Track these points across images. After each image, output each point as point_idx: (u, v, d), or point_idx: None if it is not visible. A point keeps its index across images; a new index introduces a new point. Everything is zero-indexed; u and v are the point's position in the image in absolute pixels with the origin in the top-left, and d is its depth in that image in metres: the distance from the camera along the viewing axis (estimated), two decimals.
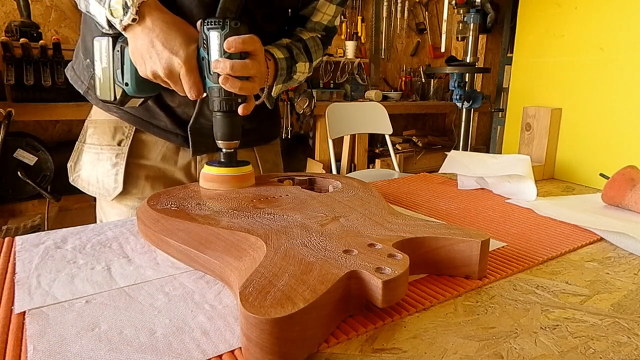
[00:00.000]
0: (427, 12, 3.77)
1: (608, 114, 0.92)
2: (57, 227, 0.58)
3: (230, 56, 0.55)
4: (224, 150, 0.61)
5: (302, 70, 0.73)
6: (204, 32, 0.55)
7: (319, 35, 0.79)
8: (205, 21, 0.55)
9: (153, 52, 0.55)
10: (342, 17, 3.35)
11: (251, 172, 0.62)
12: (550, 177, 1.00)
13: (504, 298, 0.42)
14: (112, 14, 0.56)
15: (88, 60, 0.73)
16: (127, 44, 0.58)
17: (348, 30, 3.39)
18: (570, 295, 0.43)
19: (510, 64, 1.37)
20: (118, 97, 0.62)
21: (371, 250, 0.40)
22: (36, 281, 0.42)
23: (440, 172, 0.90)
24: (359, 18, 3.39)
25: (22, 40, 1.86)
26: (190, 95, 0.57)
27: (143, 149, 0.76)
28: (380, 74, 3.58)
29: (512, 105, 1.15)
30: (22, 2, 2.03)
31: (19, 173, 1.95)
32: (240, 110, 0.58)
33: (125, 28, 0.56)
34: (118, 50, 0.60)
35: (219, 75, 0.55)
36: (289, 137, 2.70)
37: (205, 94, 0.58)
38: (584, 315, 0.39)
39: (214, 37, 0.55)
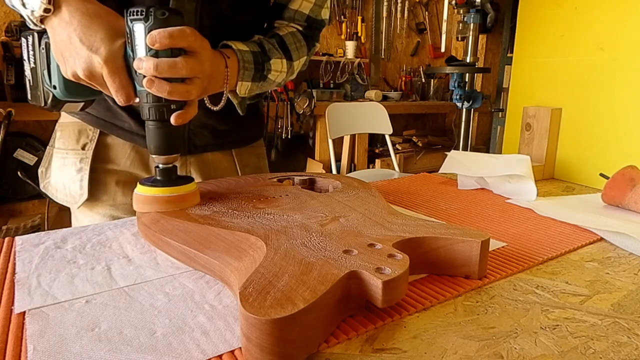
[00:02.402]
0: (427, 12, 3.78)
1: (608, 114, 0.92)
2: (57, 227, 0.57)
3: (157, 54, 0.45)
4: (160, 166, 0.51)
5: (279, 68, 0.64)
6: (127, 24, 0.46)
7: (300, 29, 0.70)
8: (129, 11, 0.45)
9: (72, 50, 0.46)
10: (342, 17, 3.35)
11: (195, 190, 0.53)
12: (550, 177, 1.00)
13: (504, 298, 0.42)
14: (24, 4, 0.47)
15: None
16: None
17: (348, 30, 3.39)
18: (570, 295, 0.43)
19: (510, 64, 1.37)
20: (49, 102, 0.53)
21: (371, 250, 0.40)
22: (36, 281, 0.42)
23: (440, 172, 0.90)
24: (359, 18, 3.39)
25: None
26: (118, 100, 0.47)
27: (109, 152, 0.70)
28: (380, 74, 3.58)
29: (512, 105, 1.15)
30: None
31: (19, 173, 1.95)
32: (172, 119, 0.48)
33: (41, 21, 0.48)
34: (43, 48, 0.51)
35: (144, 76, 0.46)
36: (289, 137, 2.70)
37: (137, 99, 0.49)
38: (584, 315, 0.39)
39: (138, 30, 0.45)
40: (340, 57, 3.25)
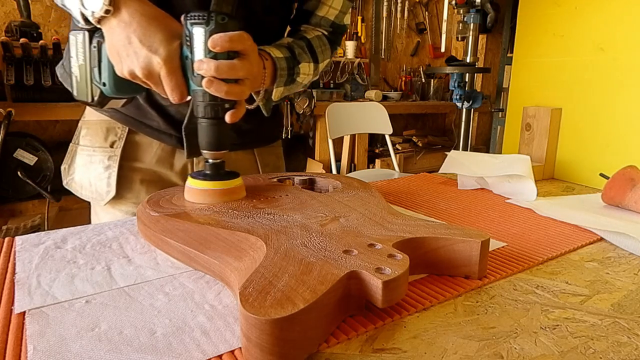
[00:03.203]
0: (427, 12, 3.77)
1: (608, 114, 0.92)
2: (57, 227, 0.57)
3: (215, 56, 0.48)
4: (210, 160, 0.54)
5: (306, 71, 0.67)
6: (187, 27, 0.48)
7: (325, 33, 0.73)
8: (189, 15, 0.48)
9: (130, 50, 0.49)
10: None
11: (241, 184, 0.56)
12: (550, 177, 1.00)
13: (504, 298, 0.42)
14: (83, 4, 0.49)
15: None
16: (104, 39, 0.52)
17: (348, 30, 3.39)
18: (570, 295, 0.43)
19: (510, 64, 1.37)
20: (96, 98, 0.55)
21: (371, 250, 0.40)
22: (36, 281, 0.42)
23: (440, 172, 0.90)
24: (359, 18, 3.39)
25: (22, 40, 1.86)
26: (173, 98, 0.50)
27: (137, 151, 0.71)
28: (380, 74, 3.58)
29: (512, 105, 1.15)
30: (22, 2, 2.03)
31: (19, 173, 1.95)
32: (227, 117, 0.51)
33: (99, 21, 0.50)
34: (94, 46, 0.53)
35: (203, 77, 0.48)
36: (289, 137, 2.70)
37: (189, 97, 0.52)
38: (584, 315, 0.39)
39: (197, 33, 0.48)
40: (340, 57, 3.25)
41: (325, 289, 0.33)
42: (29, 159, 1.99)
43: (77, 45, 0.55)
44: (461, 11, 3.13)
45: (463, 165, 0.84)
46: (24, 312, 0.37)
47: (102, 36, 0.52)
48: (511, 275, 0.47)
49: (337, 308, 0.35)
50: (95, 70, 0.54)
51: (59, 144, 2.29)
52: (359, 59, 3.33)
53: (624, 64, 0.89)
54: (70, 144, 0.76)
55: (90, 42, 0.53)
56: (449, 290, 0.42)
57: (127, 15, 0.49)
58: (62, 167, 0.76)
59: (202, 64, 0.48)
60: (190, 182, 0.54)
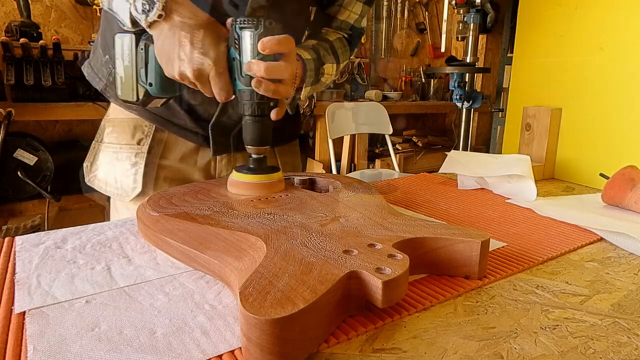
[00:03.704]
0: (427, 12, 3.77)
1: (608, 114, 0.92)
2: (57, 227, 0.58)
3: (263, 58, 0.51)
4: (253, 155, 0.58)
5: (330, 72, 0.70)
6: (235, 31, 0.52)
7: (345, 36, 0.77)
8: (237, 20, 0.52)
9: (182, 52, 0.52)
10: None
11: (281, 178, 0.60)
12: (550, 177, 1.00)
13: (504, 298, 0.42)
14: (136, 9, 0.53)
15: (107, 56, 0.70)
16: (151, 41, 0.55)
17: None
18: (570, 295, 0.43)
19: (510, 64, 1.37)
20: (141, 98, 0.59)
21: (371, 250, 0.40)
22: (36, 281, 0.42)
23: (440, 172, 0.90)
24: None
25: (22, 40, 1.86)
26: (220, 97, 0.54)
27: (162, 148, 0.74)
28: (380, 74, 3.58)
29: (512, 105, 1.15)
30: (22, 2, 2.03)
31: (19, 173, 1.95)
32: (273, 114, 0.56)
33: (150, 25, 0.53)
34: (142, 49, 0.56)
35: (250, 77, 0.52)
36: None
37: (233, 96, 0.55)
38: (584, 315, 0.39)
39: (246, 37, 0.51)
40: None
41: (325, 289, 0.33)
42: (29, 159, 1.99)
43: (122, 47, 0.57)
44: (461, 11, 3.13)
45: (463, 165, 0.84)
46: (24, 312, 0.37)
47: (149, 39, 0.55)
48: (511, 275, 0.47)
49: (337, 308, 0.35)
50: (142, 71, 0.57)
51: (59, 144, 2.29)
52: (359, 59, 3.33)
53: (624, 64, 0.89)
54: (93, 143, 0.79)
55: (137, 45, 0.56)
56: (449, 290, 0.42)
57: (179, 20, 0.52)
58: (85, 165, 0.78)
59: (252, 65, 0.51)
60: (235, 175, 0.58)
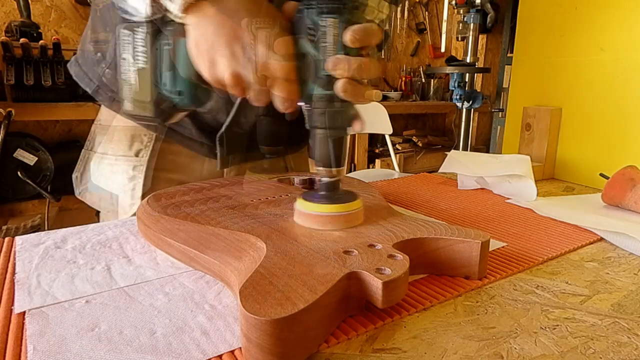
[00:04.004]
0: (427, 12, 3.78)
1: (608, 114, 0.92)
2: (57, 227, 0.57)
3: (348, 52, 0.39)
4: (325, 179, 0.45)
5: None
6: (310, 18, 0.39)
7: None
8: (314, 3, 0.38)
9: (238, 47, 0.39)
10: None
11: (361, 208, 0.47)
12: (550, 177, 1.00)
13: (504, 298, 0.42)
14: None
15: (100, 54, 0.60)
16: (181, 34, 0.41)
17: None
18: (570, 295, 0.43)
19: (510, 64, 1.37)
20: (162, 109, 0.46)
21: (371, 250, 0.40)
22: (36, 281, 0.42)
23: (440, 172, 0.90)
24: None
25: (22, 40, 1.86)
26: (284, 107, 0.41)
27: (164, 160, 0.66)
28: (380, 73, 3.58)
29: (512, 105, 1.15)
30: (22, 2, 2.03)
31: (19, 173, 1.96)
32: (357, 126, 0.43)
33: (187, 9, 0.39)
34: (169, 44, 0.43)
35: (331, 78, 0.39)
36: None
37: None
38: (584, 315, 0.39)
39: (329, 25, 0.38)
40: None
41: (325, 289, 0.33)
42: (29, 159, 1.99)
43: (134, 43, 0.44)
44: (461, 11, 3.13)
45: (463, 165, 0.84)
46: (24, 312, 0.37)
47: (175, 32, 0.42)
48: (511, 275, 0.47)
49: (337, 308, 0.35)
50: (168, 75, 0.44)
51: (59, 144, 2.29)
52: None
53: (624, 64, 0.89)
54: (83, 151, 0.70)
55: (156, 39, 0.43)
56: (449, 290, 0.42)
57: (232, 1, 0.39)
58: (74, 176, 0.70)
59: (340, 62, 0.38)
60: (304, 206, 0.45)
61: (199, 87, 0.44)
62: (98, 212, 0.71)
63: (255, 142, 0.69)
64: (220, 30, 0.39)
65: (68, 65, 0.67)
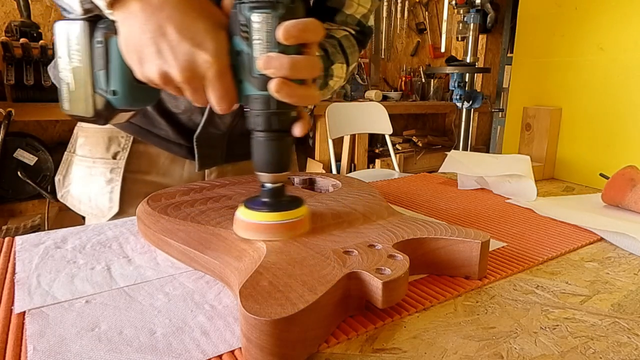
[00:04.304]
0: (427, 12, 3.78)
1: (608, 114, 0.92)
2: (57, 227, 0.57)
3: (285, 50, 0.36)
4: (268, 185, 0.42)
5: (339, 74, 0.59)
6: (243, 13, 0.37)
7: (353, 32, 0.66)
8: None
9: (163, 44, 0.37)
10: None
11: (307, 215, 0.45)
12: (550, 177, 1.00)
13: (504, 298, 0.42)
14: None
15: None
16: (114, 32, 0.39)
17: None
18: (570, 295, 0.43)
19: (510, 64, 1.37)
20: (100, 111, 0.43)
21: (371, 250, 0.40)
22: (36, 281, 0.42)
23: (440, 172, 0.90)
24: None
25: (22, 40, 1.86)
26: (220, 107, 0.39)
27: (142, 162, 0.65)
28: (380, 74, 3.58)
29: (512, 105, 1.15)
30: (22, 2, 2.03)
31: (19, 173, 1.96)
32: (297, 130, 0.40)
33: (112, 4, 0.37)
34: (100, 42, 0.40)
35: (265, 78, 0.37)
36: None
37: (237, 105, 0.40)
38: (584, 315, 0.39)
39: (261, 20, 0.36)
40: None
41: (325, 289, 0.33)
42: (29, 159, 1.99)
43: (69, 40, 0.42)
44: (461, 11, 3.13)
45: (463, 165, 0.84)
46: (24, 312, 0.37)
47: (108, 27, 0.40)
48: (511, 275, 0.47)
49: (337, 308, 0.35)
50: (101, 74, 0.42)
51: (59, 144, 2.29)
52: (359, 59, 3.33)
53: (624, 64, 0.89)
54: (66, 153, 0.69)
55: (92, 36, 0.41)
56: (449, 290, 0.42)
57: None
58: (57, 179, 0.69)
59: (272, 60, 0.36)
60: (245, 214, 0.43)
61: (135, 86, 0.42)
62: (84, 217, 0.70)
63: (237, 143, 0.68)
64: (145, 26, 0.37)
65: (48, 68, 0.65)
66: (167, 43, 0.37)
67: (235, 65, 0.38)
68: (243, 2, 0.36)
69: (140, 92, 0.43)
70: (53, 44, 0.45)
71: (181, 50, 0.37)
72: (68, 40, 0.42)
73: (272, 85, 0.36)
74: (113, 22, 0.39)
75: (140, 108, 0.48)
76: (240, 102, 0.40)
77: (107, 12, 0.38)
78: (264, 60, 0.36)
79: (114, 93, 0.42)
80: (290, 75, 0.36)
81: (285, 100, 0.37)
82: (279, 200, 0.43)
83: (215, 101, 0.38)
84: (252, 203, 0.43)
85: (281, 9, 0.36)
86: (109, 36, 0.40)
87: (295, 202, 0.44)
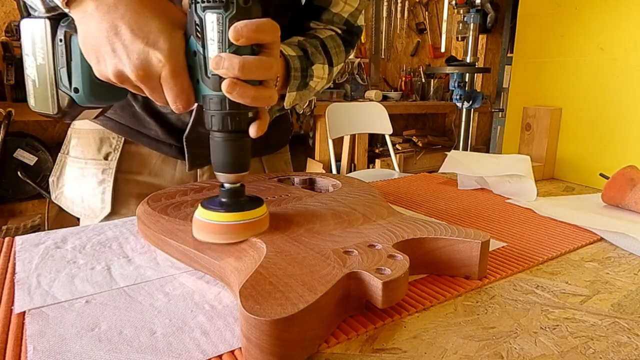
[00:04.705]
0: (427, 12, 3.78)
1: (608, 114, 0.92)
2: (57, 227, 0.57)
3: (237, 50, 0.37)
4: (226, 186, 0.43)
5: (320, 75, 0.59)
6: (197, 13, 0.37)
7: (339, 32, 0.66)
8: None
9: (117, 43, 0.37)
10: None
11: (266, 214, 0.45)
12: (550, 177, 1.00)
13: (504, 298, 0.42)
14: None
15: None
16: (74, 30, 0.40)
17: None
18: (570, 295, 0.43)
19: (510, 64, 1.37)
20: (63, 108, 0.44)
21: (371, 250, 0.40)
22: (36, 281, 0.42)
23: (440, 172, 0.90)
24: None
25: None
26: (176, 107, 0.39)
27: (134, 162, 0.65)
28: (380, 74, 3.58)
29: (512, 105, 1.15)
30: (22, 2, 2.03)
31: (19, 173, 1.96)
32: (252, 130, 0.40)
33: (68, 3, 0.38)
34: (61, 40, 0.41)
35: (220, 78, 0.37)
36: (289, 137, 2.70)
37: (195, 105, 0.40)
38: (584, 315, 0.39)
39: (213, 21, 0.36)
40: None
41: (325, 289, 0.33)
42: (29, 159, 1.99)
43: (33, 38, 0.42)
44: (461, 11, 3.14)
45: (463, 165, 0.84)
46: (24, 312, 0.37)
47: (70, 25, 0.41)
48: (511, 275, 0.47)
49: (337, 308, 0.35)
50: (63, 71, 0.42)
51: (59, 144, 2.28)
52: (359, 59, 3.33)
53: (624, 64, 0.89)
54: (59, 154, 0.70)
55: (54, 34, 0.42)
56: (449, 290, 0.42)
57: None
58: (51, 180, 0.70)
59: (221, 60, 0.36)
60: (202, 214, 0.43)
61: (98, 83, 0.42)
62: (79, 218, 0.70)
63: None
64: (100, 25, 0.37)
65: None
66: (121, 42, 0.37)
67: (191, 66, 0.39)
68: (197, 2, 0.37)
69: (102, 89, 0.43)
70: (21, 43, 0.46)
71: (134, 49, 0.37)
72: (33, 38, 0.43)
73: (224, 86, 0.36)
74: (73, 21, 0.40)
75: (107, 104, 0.48)
76: (197, 101, 0.40)
77: (65, 10, 0.39)
78: (215, 60, 0.36)
79: (76, 90, 0.43)
80: (241, 75, 0.36)
81: (239, 100, 0.37)
82: (238, 201, 0.43)
83: (171, 100, 0.39)
84: (210, 203, 0.43)
85: (232, 10, 0.36)
86: (69, 34, 0.41)
87: (254, 202, 0.44)
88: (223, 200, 0.43)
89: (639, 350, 0.34)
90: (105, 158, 0.65)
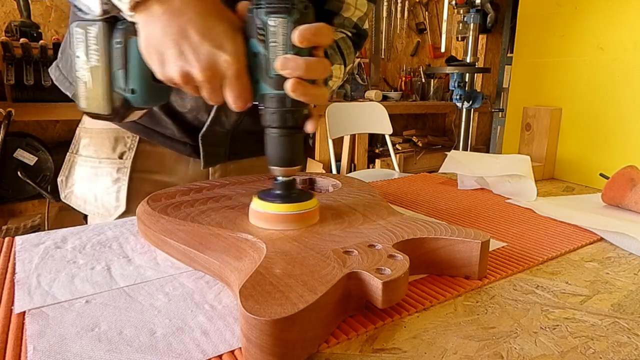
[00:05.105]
0: (427, 12, 3.78)
1: (608, 114, 0.92)
2: (57, 227, 0.57)
3: (298, 52, 0.40)
4: (280, 178, 0.46)
5: (338, 74, 0.62)
6: (259, 17, 0.39)
7: (349, 34, 0.69)
8: (263, 3, 0.39)
9: (185, 45, 0.39)
10: None
11: (317, 207, 0.48)
12: (550, 177, 1.00)
13: (504, 298, 0.42)
14: None
15: None
16: (133, 33, 0.42)
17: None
18: (570, 295, 0.43)
19: (510, 64, 1.37)
20: (117, 108, 0.45)
21: (371, 250, 0.40)
22: (36, 281, 0.42)
23: (440, 172, 0.90)
24: None
25: (22, 40, 1.86)
26: (236, 105, 0.41)
27: (148, 161, 0.67)
28: (380, 74, 3.58)
29: (512, 105, 1.15)
30: (22, 2, 2.03)
31: (19, 173, 1.96)
32: (309, 126, 0.43)
33: (135, 7, 0.39)
34: (120, 42, 0.43)
35: (281, 78, 0.40)
36: None
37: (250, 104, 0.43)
38: (584, 315, 0.39)
39: (277, 25, 0.39)
40: None
41: (325, 289, 0.33)
42: (29, 159, 1.99)
43: (87, 41, 0.44)
44: (461, 11, 3.13)
45: (463, 165, 0.84)
46: (24, 312, 0.37)
47: (128, 28, 0.42)
48: (511, 275, 0.47)
49: (337, 308, 0.35)
50: (120, 73, 0.44)
51: (59, 144, 2.29)
52: (359, 59, 3.33)
53: (624, 64, 0.89)
54: (68, 154, 0.71)
55: (110, 37, 0.43)
56: (449, 290, 0.42)
57: (179, 1, 0.39)
58: (59, 180, 0.71)
59: (288, 61, 0.39)
60: (259, 205, 0.46)
61: (153, 85, 0.44)
62: (85, 215, 0.71)
63: (239, 140, 0.70)
64: (167, 29, 0.39)
65: (49, 69, 0.67)
66: (189, 44, 0.39)
67: (251, 66, 0.41)
68: (260, 7, 0.39)
69: (156, 90, 0.45)
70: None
71: (203, 51, 0.39)
72: (86, 40, 0.44)
73: (289, 85, 0.39)
74: (132, 23, 0.41)
75: (156, 105, 0.51)
76: (255, 100, 0.42)
77: (128, 14, 0.40)
78: (281, 61, 0.39)
79: (133, 91, 0.44)
80: (304, 75, 0.39)
81: (300, 98, 0.40)
82: (291, 193, 0.46)
83: (232, 100, 0.41)
84: (266, 195, 0.46)
85: (296, 14, 0.39)
86: (128, 37, 0.42)
87: (305, 195, 0.47)
88: (277, 192, 0.46)
89: (639, 350, 0.34)
90: (120, 157, 0.66)
